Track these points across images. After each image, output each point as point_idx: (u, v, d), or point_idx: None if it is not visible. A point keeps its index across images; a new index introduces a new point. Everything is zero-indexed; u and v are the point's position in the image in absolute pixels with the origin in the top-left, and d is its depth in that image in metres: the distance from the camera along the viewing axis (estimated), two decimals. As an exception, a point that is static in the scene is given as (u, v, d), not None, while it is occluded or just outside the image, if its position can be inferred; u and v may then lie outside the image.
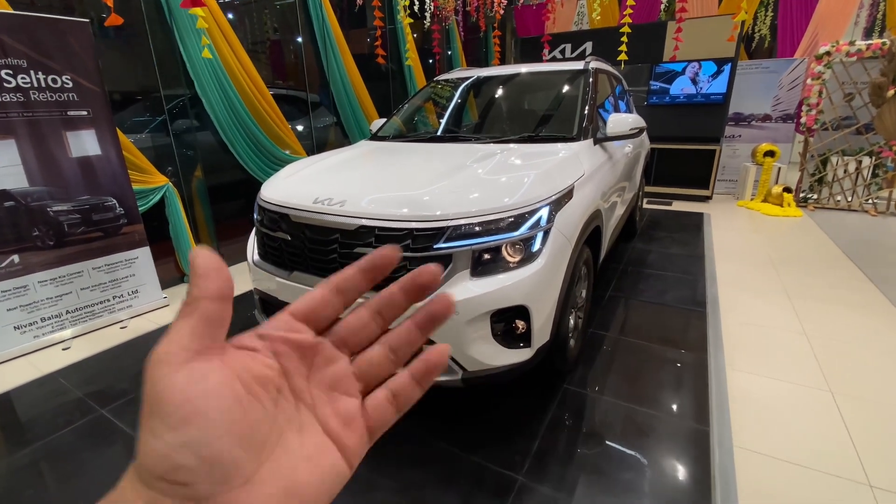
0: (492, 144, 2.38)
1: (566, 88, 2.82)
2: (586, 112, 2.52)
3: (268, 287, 1.99)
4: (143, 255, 3.08)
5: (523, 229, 1.64)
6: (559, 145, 2.27)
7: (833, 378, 2.23)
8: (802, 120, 5.96)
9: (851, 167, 5.74)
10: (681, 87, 6.29)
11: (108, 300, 2.95)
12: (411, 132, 3.17)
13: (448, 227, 1.58)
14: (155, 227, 3.40)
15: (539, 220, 1.69)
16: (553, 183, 1.84)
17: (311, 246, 1.79)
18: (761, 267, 3.74)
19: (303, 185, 2.00)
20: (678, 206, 6.07)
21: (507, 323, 1.68)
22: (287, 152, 4.20)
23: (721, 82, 6.00)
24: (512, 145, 2.32)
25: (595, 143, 2.48)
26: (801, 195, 6.02)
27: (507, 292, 1.59)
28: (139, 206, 3.16)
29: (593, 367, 2.32)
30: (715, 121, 6.32)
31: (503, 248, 1.64)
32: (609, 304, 3.04)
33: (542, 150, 2.22)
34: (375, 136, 3.04)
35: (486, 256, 1.63)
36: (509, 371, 1.70)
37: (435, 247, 1.58)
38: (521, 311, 1.64)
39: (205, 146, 3.78)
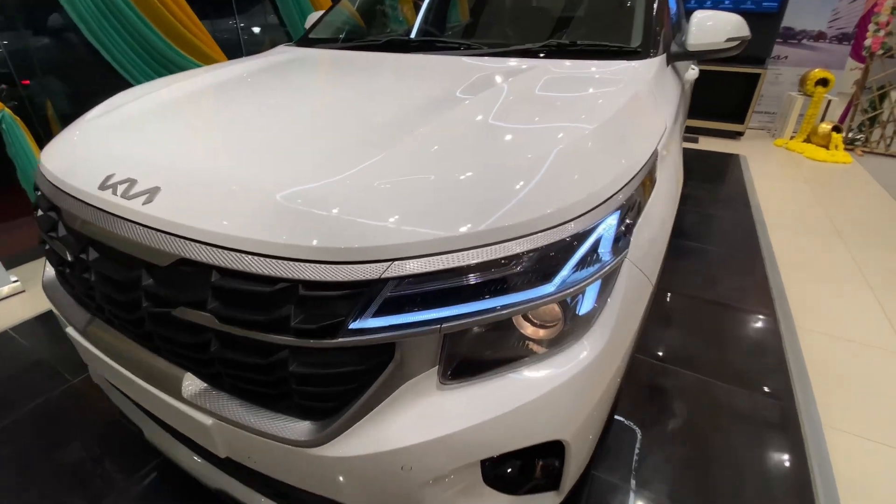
0: (495, 59, 1.34)
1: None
2: (656, 7, 1.45)
3: (68, 334, 1.06)
4: (-40, 222, 2.05)
5: (564, 274, 0.70)
6: (617, 65, 1.25)
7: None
8: (866, 42, 4.80)
9: (914, 106, 4.74)
10: (727, -11, 4.96)
11: (-87, 291, 1.98)
12: (366, 34, 2.04)
13: (385, 282, 0.63)
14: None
15: (595, 245, 0.74)
16: (623, 154, 0.86)
17: (101, 286, 0.83)
18: (824, 238, 2.90)
19: (103, 142, 0.97)
20: (706, 143, 5.07)
21: (520, 462, 0.81)
22: (200, 62, 2.98)
23: (780, -17, 4.70)
24: (531, 63, 1.28)
25: (668, 63, 1.45)
26: (849, 135, 5.04)
27: (522, 422, 0.70)
28: (-48, 144, 2.07)
29: (635, 427, 1.52)
30: (762, 36, 5.08)
31: (516, 321, 0.72)
32: (642, 300, 2.19)
33: (586, 75, 1.20)
34: (306, 40, 1.92)
35: (478, 339, 0.71)
36: (514, 530, 0.87)
37: (353, 326, 0.64)
38: (553, 448, 0.77)
39: (64, 53, 2.56)
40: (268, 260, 0.64)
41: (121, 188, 0.79)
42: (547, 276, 0.68)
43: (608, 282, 0.77)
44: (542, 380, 0.71)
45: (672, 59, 1.47)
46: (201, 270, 0.69)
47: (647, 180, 0.89)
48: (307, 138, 0.86)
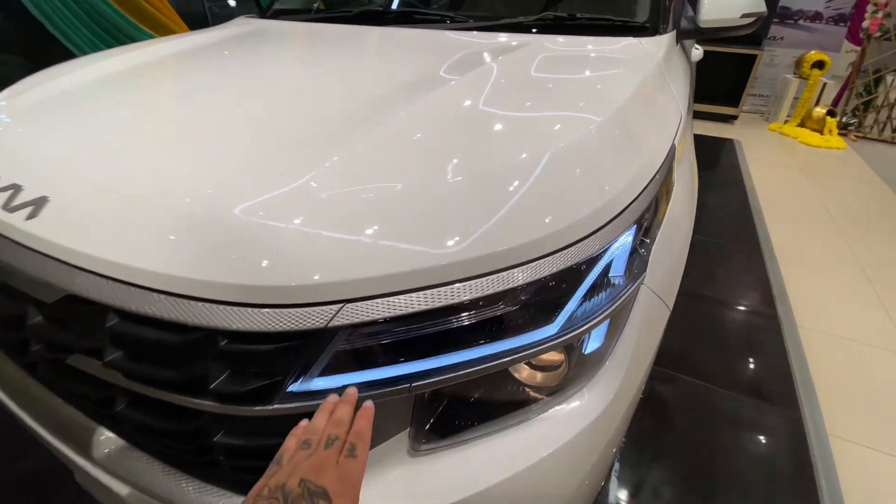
0: (481, 35, 1.16)
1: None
2: (665, -24, 1.27)
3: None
4: None
5: (568, 310, 0.55)
6: (622, 42, 1.08)
7: None
8: (864, 23, 4.67)
9: (909, 91, 4.64)
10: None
11: None
12: (339, 4, 1.83)
13: (335, 331, 0.47)
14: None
15: (606, 271, 0.60)
16: (637, 153, 0.71)
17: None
18: (823, 230, 2.81)
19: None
20: (699, 127, 4.93)
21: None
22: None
23: (781, -43, 4.51)
24: (523, 39, 1.11)
25: (677, 42, 1.28)
26: (843, 120, 4.95)
27: (516, 493, 0.56)
28: None
29: (636, 438, 1.41)
30: (760, 15, 4.91)
31: (511, 370, 0.57)
32: (638, 297, 2.07)
33: (587, 54, 1.03)
34: (271, 10, 1.70)
35: (459, 390, 0.56)
36: None
37: (292, 389, 0.48)
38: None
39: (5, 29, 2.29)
40: (175, 300, 0.48)
41: (2, 197, 0.61)
42: (547, 315, 0.54)
43: (621, 313, 0.63)
44: (540, 440, 0.57)
45: (682, 37, 1.31)
46: (96, 311, 0.52)
47: (664, 183, 0.74)
48: (243, 136, 0.68)
